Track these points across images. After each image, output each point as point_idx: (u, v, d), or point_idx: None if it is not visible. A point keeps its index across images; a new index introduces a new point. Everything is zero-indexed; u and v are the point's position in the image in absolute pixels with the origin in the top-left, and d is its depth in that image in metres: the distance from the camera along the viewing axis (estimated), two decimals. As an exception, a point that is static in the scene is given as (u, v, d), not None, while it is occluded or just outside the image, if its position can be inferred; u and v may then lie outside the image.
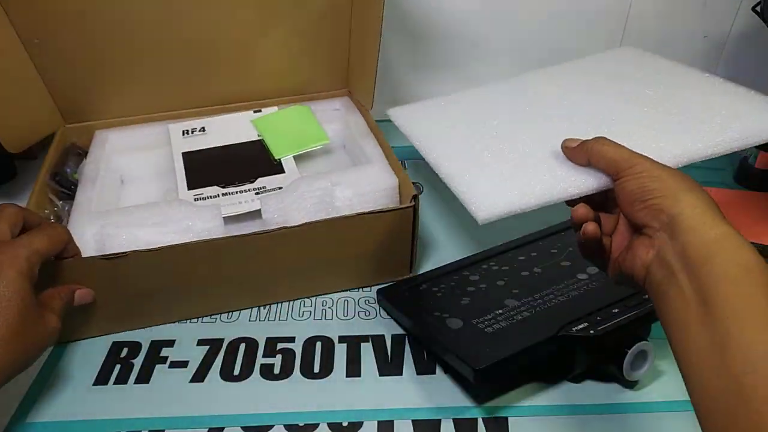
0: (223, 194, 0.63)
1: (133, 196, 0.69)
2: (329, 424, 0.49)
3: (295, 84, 0.78)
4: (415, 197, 0.58)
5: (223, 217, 0.58)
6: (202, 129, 0.73)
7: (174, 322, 0.59)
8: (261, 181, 0.65)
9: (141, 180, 0.71)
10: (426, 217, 0.74)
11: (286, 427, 0.49)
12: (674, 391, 0.52)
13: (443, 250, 0.68)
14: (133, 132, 0.73)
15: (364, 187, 0.60)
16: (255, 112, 0.75)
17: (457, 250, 0.67)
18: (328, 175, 0.61)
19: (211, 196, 0.63)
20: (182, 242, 0.53)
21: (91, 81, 0.70)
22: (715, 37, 0.92)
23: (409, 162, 0.85)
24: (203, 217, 0.57)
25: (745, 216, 0.59)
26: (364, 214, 0.56)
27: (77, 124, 0.73)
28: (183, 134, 0.72)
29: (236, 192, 0.63)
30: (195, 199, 0.63)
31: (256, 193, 0.62)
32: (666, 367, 0.54)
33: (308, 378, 0.53)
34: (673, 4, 0.89)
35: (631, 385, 0.52)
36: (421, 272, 0.63)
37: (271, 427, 0.49)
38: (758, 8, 0.74)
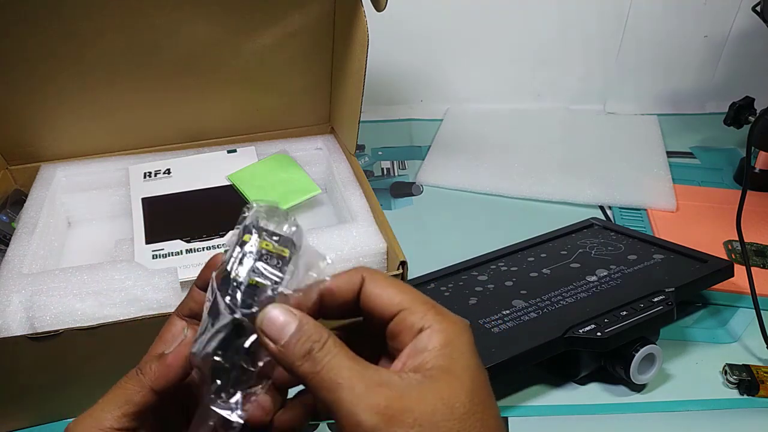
0: (186, 250, 0.56)
1: (80, 243, 0.63)
2: (329, 424, 0.49)
3: (272, 118, 0.71)
4: (403, 264, 0.50)
5: (181, 282, 0.50)
6: (167, 171, 0.65)
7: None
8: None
9: (90, 223, 0.65)
10: (427, 216, 0.74)
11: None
12: (681, 393, 0.52)
13: (444, 250, 0.67)
14: (85, 167, 0.65)
15: (347, 251, 0.53)
16: (229, 152, 0.67)
17: (459, 250, 0.66)
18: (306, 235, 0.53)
19: (172, 253, 0.56)
20: (127, 318, 0.45)
21: (39, 116, 0.62)
22: (715, 37, 0.93)
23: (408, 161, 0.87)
24: (156, 285, 0.49)
25: (746, 216, 0.60)
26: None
27: (22, 166, 0.65)
28: (144, 177, 0.64)
29: (202, 248, 0.57)
30: (153, 256, 0.55)
31: (225, 251, 0.55)
32: (674, 370, 0.54)
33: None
34: (673, 4, 0.90)
35: (638, 388, 0.52)
36: (427, 272, 0.62)
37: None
38: (758, 8, 0.74)
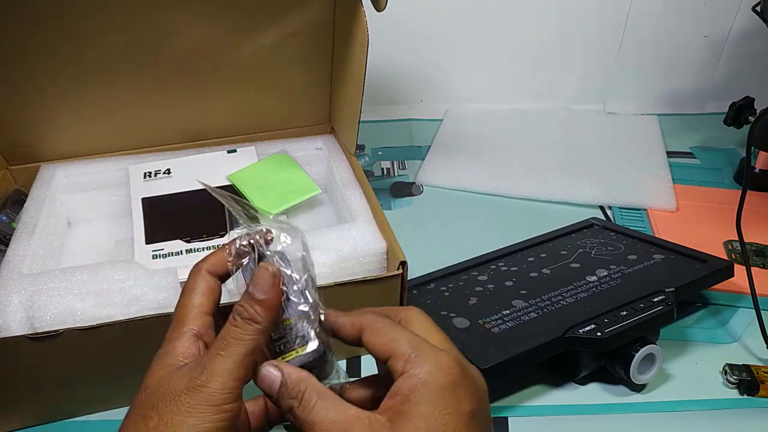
0: (186, 250, 0.56)
1: (80, 243, 0.62)
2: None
3: (272, 118, 0.71)
4: (403, 264, 0.50)
5: (181, 283, 0.50)
6: (167, 171, 0.65)
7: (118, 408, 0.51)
8: (233, 235, 0.57)
9: (90, 223, 0.65)
10: (427, 216, 0.74)
11: (286, 427, 0.48)
12: (681, 393, 0.52)
13: (444, 250, 0.67)
14: (85, 167, 0.65)
15: (347, 251, 0.53)
16: (229, 152, 0.67)
17: (459, 250, 0.66)
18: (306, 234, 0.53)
19: (172, 253, 0.56)
20: (126, 318, 0.45)
21: (39, 116, 0.62)
22: (715, 37, 0.93)
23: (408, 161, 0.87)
24: (156, 285, 0.49)
25: (746, 216, 0.60)
26: (344, 284, 0.49)
27: (22, 166, 0.65)
28: (144, 177, 0.64)
29: (203, 248, 0.57)
30: (153, 257, 0.55)
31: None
32: (674, 370, 0.54)
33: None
34: (673, 4, 0.90)
35: (638, 388, 0.52)
36: (428, 272, 0.62)
37: (271, 427, 0.46)
38: (758, 8, 0.74)
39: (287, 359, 0.32)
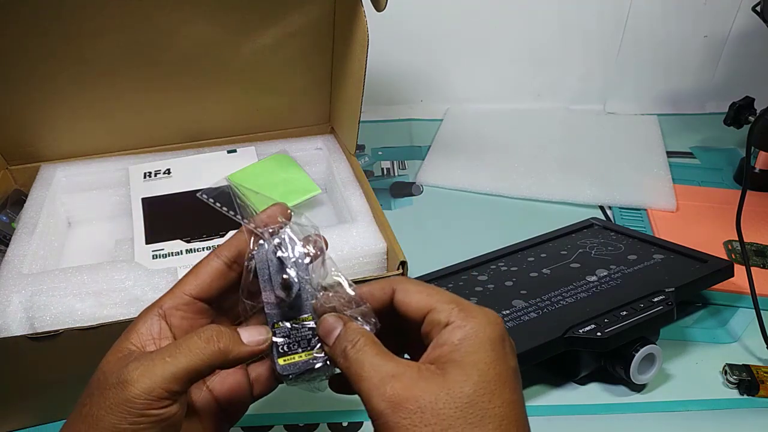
0: (186, 250, 0.56)
1: (80, 243, 0.62)
2: (329, 424, 0.50)
3: (272, 118, 0.71)
4: (403, 264, 0.50)
5: (181, 283, 0.50)
6: (167, 171, 0.64)
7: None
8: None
9: (90, 223, 0.65)
10: (427, 216, 0.74)
11: (286, 427, 0.50)
12: (681, 393, 0.53)
13: (444, 250, 0.67)
14: (85, 167, 0.65)
15: (347, 251, 0.53)
16: (229, 152, 0.67)
17: (459, 250, 0.66)
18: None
19: (172, 253, 0.56)
20: (126, 318, 0.45)
21: (39, 116, 0.62)
22: (715, 37, 0.94)
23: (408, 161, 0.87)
24: (156, 285, 0.49)
25: (746, 216, 0.60)
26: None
27: (22, 166, 0.65)
28: (144, 177, 0.64)
29: (202, 248, 0.57)
30: (153, 257, 0.55)
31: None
32: (674, 370, 0.54)
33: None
34: (673, 4, 0.90)
35: (638, 388, 0.53)
36: (427, 272, 0.62)
37: (271, 427, 0.50)
38: (758, 8, 0.74)
39: (289, 362, 0.32)
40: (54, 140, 0.64)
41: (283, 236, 0.33)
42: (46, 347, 0.44)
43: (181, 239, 0.57)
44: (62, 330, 0.43)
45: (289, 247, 0.33)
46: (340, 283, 0.33)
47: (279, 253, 0.33)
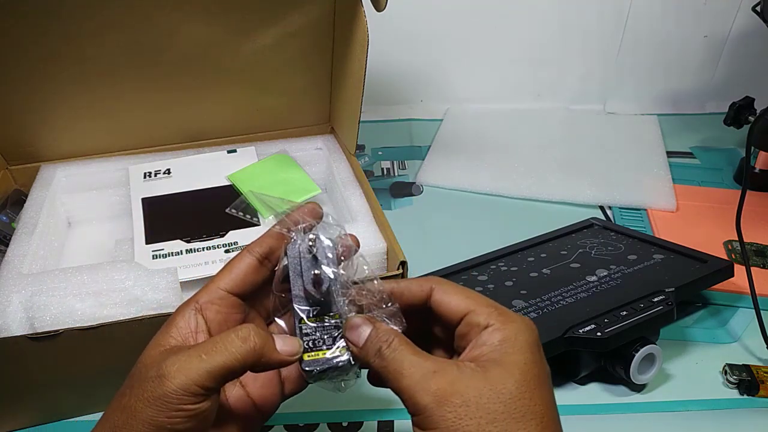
0: (186, 251, 0.56)
1: (80, 243, 0.63)
2: (329, 424, 0.50)
3: (272, 118, 0.71)
4: (403, 264, 0.50)
5: (181, 283, 0.50)
6: (167, 171, 0.65)
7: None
8: (233, 235, 0.58)
9: (90, 223, 0.65)
10: (427, 216, 0.75)
11: (286, 427, 0.50)
12: (681, 393, 0.53)
13: (444, 250, 0.67)
14: (85, 167, 0.65)
15: (346, 251, 0.52)
16: (229, 152, 0.67)
17: (459, 250, 0.66)
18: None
19: (172, 253, 0.56)
20: (126, 318, 0.45)
21: (39, 116, 0.62)
22: (715, 37, 0.94)
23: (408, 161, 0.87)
24: (156, 285, 0.49)
25: (746, 216, 0.60)
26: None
27: (22, 166, 0.65)
28: (144, 177, 0.64)
29: (202, 249, 0.56)
30: (153, 257, 0.55)
31: (226, 251, 0.55)
32: (674, 370, 0.54)
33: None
34: (673, 4, 0.90)
35: (638, 388, 0.53)
36: (427, 272, 0.62)
37: (271, 427, 0.50)
38: (758, 8, 0.74)
39: (313, 358, 0.32)
40: (54, 140, 0.64)
41: (316, 233, 0.34)
42: (46, 347, 0.44)
43: (181, 239, 0.57)
44: (62, 330, 0.43)
45: (324, 243, 0.34)
46: (371, 281, 0.34)
47: (312, 250, 0.34)
